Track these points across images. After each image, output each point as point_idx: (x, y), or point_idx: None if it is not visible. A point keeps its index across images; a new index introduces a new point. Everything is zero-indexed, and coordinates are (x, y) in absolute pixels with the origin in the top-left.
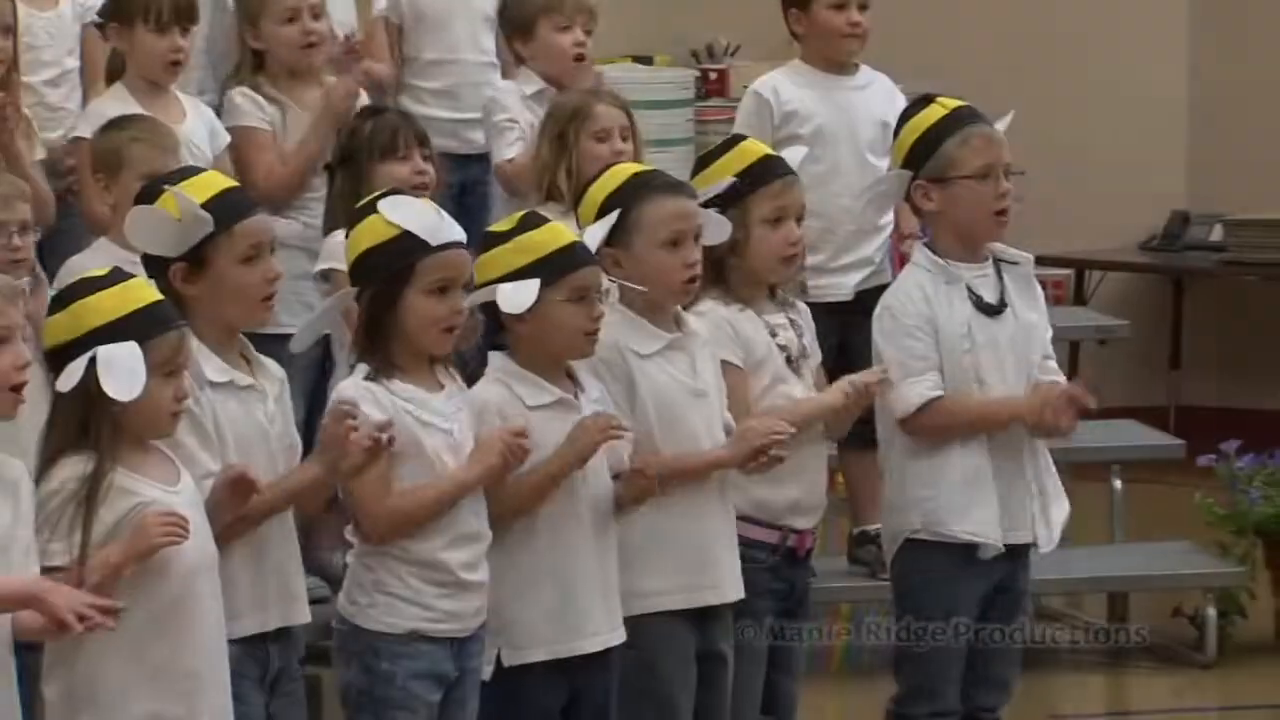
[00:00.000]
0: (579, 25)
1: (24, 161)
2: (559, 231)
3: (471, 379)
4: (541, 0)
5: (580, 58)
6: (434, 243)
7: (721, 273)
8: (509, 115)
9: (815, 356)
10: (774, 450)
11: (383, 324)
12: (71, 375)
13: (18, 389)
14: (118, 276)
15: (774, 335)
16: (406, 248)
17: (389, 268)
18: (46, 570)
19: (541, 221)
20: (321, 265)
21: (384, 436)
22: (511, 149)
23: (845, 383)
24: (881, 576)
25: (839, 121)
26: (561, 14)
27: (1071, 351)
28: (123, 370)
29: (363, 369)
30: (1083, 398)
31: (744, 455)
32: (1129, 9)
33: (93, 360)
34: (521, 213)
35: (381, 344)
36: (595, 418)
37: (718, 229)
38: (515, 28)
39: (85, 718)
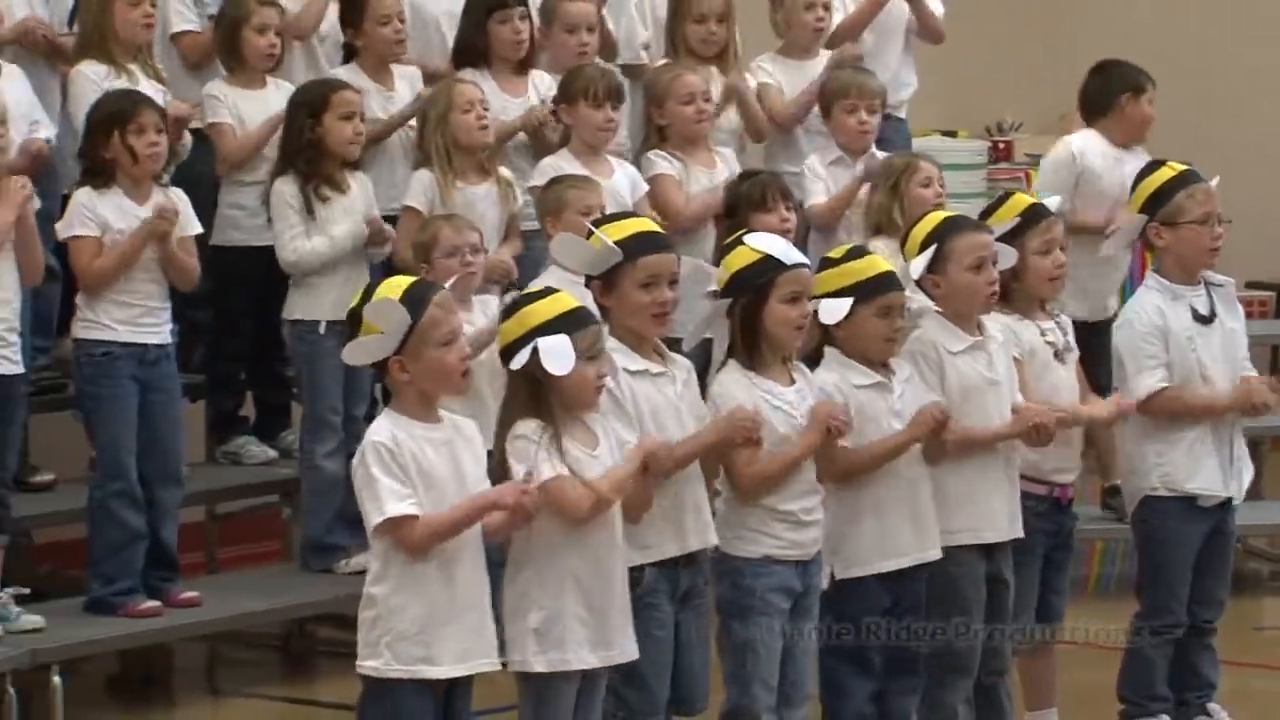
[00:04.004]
0: (863, 108)
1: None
2: (875, 262)
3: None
4: (837, 89)
5: (864, 133)
6: (788, 263)
7: (1006, 293)
8: (816, 175)
9: (1075, 352)
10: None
11: (752, 328)
12: (520, 358)
13: (463, 375)
14: (548, 291)
15: (1044, 335)
16: (769, 266)
17: (756, 280)
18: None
19: (863, 253)
20: (709, 289)
21: (757, 426)
22: (818, 198)
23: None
24: (1125, 521)
25: (1117, 188)
26: (850, 99)
27: (1273, 353)
28: (559, 353)
29: (735, 365)
30: (1274, 386)
31: (1021, 429)
32: None
33: (535, 347)
34: (850, 244)
35: (750, 345)
36: (933, 406)
37: (1007, 257)
38: (822, 110)
39: (532, 608)
